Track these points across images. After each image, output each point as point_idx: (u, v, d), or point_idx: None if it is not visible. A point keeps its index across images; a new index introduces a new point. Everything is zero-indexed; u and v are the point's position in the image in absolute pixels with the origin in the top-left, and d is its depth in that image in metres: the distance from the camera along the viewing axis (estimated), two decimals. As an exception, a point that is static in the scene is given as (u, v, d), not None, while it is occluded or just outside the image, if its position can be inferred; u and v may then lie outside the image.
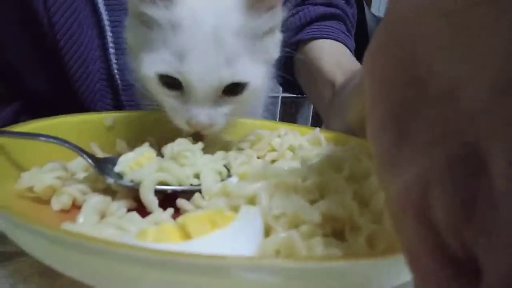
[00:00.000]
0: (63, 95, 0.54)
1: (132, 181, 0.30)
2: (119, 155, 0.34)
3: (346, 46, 0.60)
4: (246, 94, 0.36)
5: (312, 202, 0.26)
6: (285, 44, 0.61)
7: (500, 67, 0.12)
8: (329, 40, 0.59)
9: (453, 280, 0.14)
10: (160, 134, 0.40)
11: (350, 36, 0.63)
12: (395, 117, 0.16)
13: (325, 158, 0.31)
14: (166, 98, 0.36)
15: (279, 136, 0.43)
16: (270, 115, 0.70)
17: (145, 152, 0.34)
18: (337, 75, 0.53)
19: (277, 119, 1.27)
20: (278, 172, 0.27)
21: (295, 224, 0.24)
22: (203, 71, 0.34)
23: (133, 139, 0.41)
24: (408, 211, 0.15)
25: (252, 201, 0.26)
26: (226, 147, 0.41)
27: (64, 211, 0.30)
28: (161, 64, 0.34)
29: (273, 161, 0.40)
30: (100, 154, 0.38)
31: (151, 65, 0.35)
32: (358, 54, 0.62)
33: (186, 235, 0.23)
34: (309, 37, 0.59)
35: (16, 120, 0.58)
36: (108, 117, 0.42)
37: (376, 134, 0.17)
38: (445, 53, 0.14)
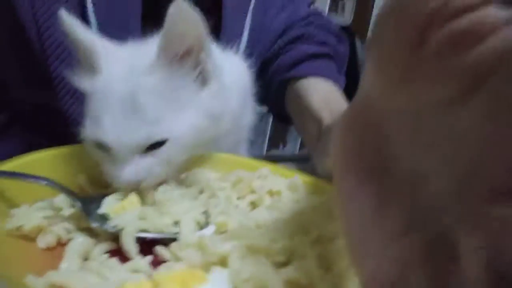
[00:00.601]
0: (50, 113, 0.56)
1: (115, 226, 0.32)
2: (104, 194, 0.36)
3: (336, 84, 0.62)
4: (168, 148, 0.38)
5: (280, 265, 0.28)
6: (274, 81, 0.64)
7: (457, 166, 0.13)
8: (319, 79, 0.61)
9: None
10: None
11: (341, 74, 0.65)
12: (367, 196, 0.16)
13: (296, 217, 0.33)
14: (100, 159, 0.39)
15: (259, 177, 0.45)
16: (260, 133, 0.72)
17: (129, 196, 0.36)
18: (325, 113, 0.55)
19: (267, 136, 1.30)
20: (251, 234, 0.29)
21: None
22: (116, 134, 0.36)
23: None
24: None
25: (224, 259, 0.28)
26: (207, 186, 0.43)
27: (50, 248, 0.32)
28: (87, 129, 0.38)
29: (252, 203, 0.42)
30: (87, 187, 0.40)
31: (83, 129, 0.38)
32: (349, 88, 0.64)
33: (160, 295, 0.25)
34: (300, 74, 0.61)
35: (4, 132, 0.60)
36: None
37: (347, 208, 0.18)
38: (410, 145, 0.15)
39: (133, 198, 0.36)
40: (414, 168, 0.15)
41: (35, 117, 0.60)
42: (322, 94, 0.59)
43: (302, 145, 1.36)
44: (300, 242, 0.29)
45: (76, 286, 0.26)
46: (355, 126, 0.18)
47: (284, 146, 1.37)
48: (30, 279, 0.26)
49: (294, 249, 0.29)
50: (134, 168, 0.37)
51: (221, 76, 0.42)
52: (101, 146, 0.37)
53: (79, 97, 0.55)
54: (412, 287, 0.14)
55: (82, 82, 0.39)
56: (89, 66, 0.39)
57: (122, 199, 0.36)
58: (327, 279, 0.28)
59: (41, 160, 0.39)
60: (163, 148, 0.37)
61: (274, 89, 0.64)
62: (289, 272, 0.27)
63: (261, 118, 0.66)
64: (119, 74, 0.38)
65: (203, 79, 0.40)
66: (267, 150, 1.33)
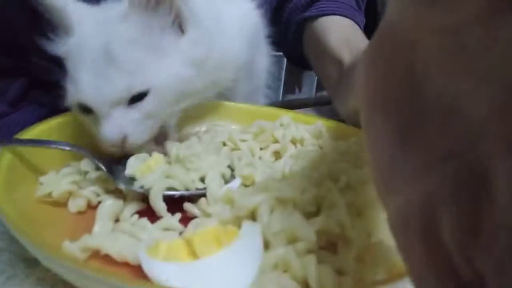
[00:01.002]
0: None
1: (142, 186, 0.32)
2: (128, 155, 0.36)
3: (356, 22, 0.59)
4: (151, 100, 0.36)
5: (310, 214, 0.28)
6: (291, 21, 0.61)
7: (499, 83, 0.12)
8: (337, 17, 0.58)
9: None
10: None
11: (360, 11, 0.62)
12: (395, 130, 0.16)
13: (323, 165, 0.32)
14: (87, 124, 0.38)
15: (281, 125, 0.44)
16: (275, 78, 0.70)
17: (153, 154, 0.36)
18: (345, 53, 0.52)
19: (282, 81, 1.27)
20: (278, 185, 0.29)
21: (292, 240, 0.26)
22: (92, 90, 0.34)
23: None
24: (414, 230, 0.15)
25: (253, 212, 0.28)
26: (229, 137, 0.42)
27: (80, 212, 0.33)
28: (68, 94, 0.36)
29: (276, 153, 0.42)
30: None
31: (67, 97, 0.37)
32: (369, 27, 0.61)
33: (193, 252, 0.25)
34: (317, 13, 0.58)
35: (24, 94, 0.60)
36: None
37: (374, 145, 0.17)
38: (445, 67, 0.14)
39: (158, 156, 0.36)
40: (448, 93, 0.14)
41: (54, 81, 0.60)
42: (341, 33, 0.56)
43: (318, 89, 1.34)
44: (329, 190, 0.29)
45: (111, 248, 0.27)
46: (383, 54, 0.17)
47: (300, 90, 1.35)
48: (66, 244, 0.26)
49: (324, 197, 0.29)
50: (116, 123, 0.35)
51: (202, 22, 0.39)
52: (85, 109, 0.36)
53: None
54: (442, 218, 0.14)
55: (56, 47, 0.37)
56: (64, 30, 0.37)
57: (146, 159, 0.35)
58: (358, 226, 0.28)
59: (63, 125, 0.39)
60: (146, 100, 0.35)
61: (291, 31, 0.61)
62: (320, 222, 0.27)
63: (276, 62, 0.64)
64: (91, 29, 0.36)
65: (181, 26, 0.38)
66: (282, 95, 1.31)
